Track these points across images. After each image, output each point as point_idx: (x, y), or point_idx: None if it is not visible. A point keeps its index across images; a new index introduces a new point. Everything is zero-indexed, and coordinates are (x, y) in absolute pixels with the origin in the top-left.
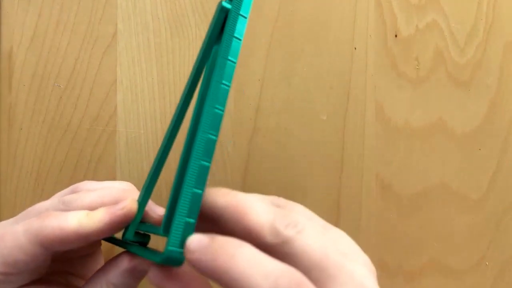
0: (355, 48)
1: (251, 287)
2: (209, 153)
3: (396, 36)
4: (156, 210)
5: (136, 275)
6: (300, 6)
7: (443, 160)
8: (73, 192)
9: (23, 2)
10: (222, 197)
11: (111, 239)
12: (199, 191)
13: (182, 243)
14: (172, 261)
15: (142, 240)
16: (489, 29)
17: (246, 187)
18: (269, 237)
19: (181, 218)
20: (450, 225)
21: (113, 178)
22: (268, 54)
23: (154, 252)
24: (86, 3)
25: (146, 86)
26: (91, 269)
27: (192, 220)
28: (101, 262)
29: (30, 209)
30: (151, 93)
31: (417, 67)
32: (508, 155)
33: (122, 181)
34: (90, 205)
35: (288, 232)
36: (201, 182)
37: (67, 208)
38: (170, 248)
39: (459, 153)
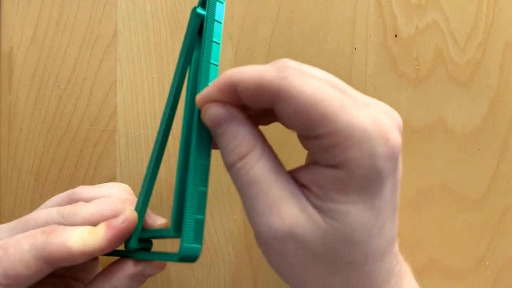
0: (355, 48)
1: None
2: (207, 152)
3: (396, 36)
4: (156, 220)
5: (140, 279)
6: (300, 6)
7: (443, 160)
8: (70, 198)
9: (23, 2)
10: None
11: (112, 252)
12: (204, 189)
13: (196, 239)
14: (189, 257)
15: (145, 246)
16: (489, 29)
17: None
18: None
19: (191, 215)
20: (450, 225)
21: (113, 178)
22: (268, 54)
23: (164, 253)
24: (86, 3)
25: (146, 86)
26: (90, 272)
27: (201, 216)
28: (98, 265)
29: (26, 218)
30: (151, 93)
31: (417, 67)
32: (508, 155)
33: (118, 184)
34: (90, 219)
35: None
36: (204, 179)
37: (66, 222)
38: (186, 245)
39: (459, 153)
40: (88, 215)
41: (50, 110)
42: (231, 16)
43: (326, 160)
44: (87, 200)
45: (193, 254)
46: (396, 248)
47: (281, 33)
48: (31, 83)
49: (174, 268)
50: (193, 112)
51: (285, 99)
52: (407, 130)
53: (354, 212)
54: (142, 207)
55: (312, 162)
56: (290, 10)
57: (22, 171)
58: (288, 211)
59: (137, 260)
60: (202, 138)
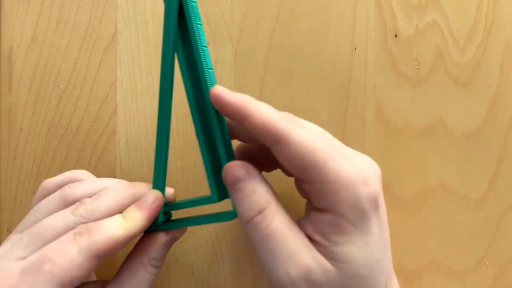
0: (355, 48)
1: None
2: (226, 129)
3: (396, 36)
4: (168, 190)
5: (171, 243)
6: (300, 6)
7: (443, 160)
8: (64, 201)
9: (23, 2)
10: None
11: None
12: (233, 159)
13: None
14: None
15: (168, 217)
16: (489, 29)
17: None
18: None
19: None
20: (450, 225)
21: (113, 178)
22: (268, 54)
23: (212, 216)
24: (86, 3)
25: (146, 86)
26: None
27: None
28: None
29: (37, 231)
30: (151, 93)
31: (417, 67)
32: (508, 155)
33: (103, 178)
34: (110, 211)
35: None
36: (231, 151)
37: (88, 220)
38: None
39: (459, 153)
40: (107, 208)
41: (50, 110)
42: (231, 16)
43: (320, 204)
44: (89, 196)
45: None
46: (395, 281)
47: (281, 33)
48: (31, 83)
49: (174, 268)
50: (202, 99)
51: (285, 144)
52: (407, 130)
53: (354, 250)
54: (162, 183)
55: (310, 209)
56: (290, 10)
57: (22, 171)
58: (304, 261)
59: (167, 230)
60: (219, 119)
